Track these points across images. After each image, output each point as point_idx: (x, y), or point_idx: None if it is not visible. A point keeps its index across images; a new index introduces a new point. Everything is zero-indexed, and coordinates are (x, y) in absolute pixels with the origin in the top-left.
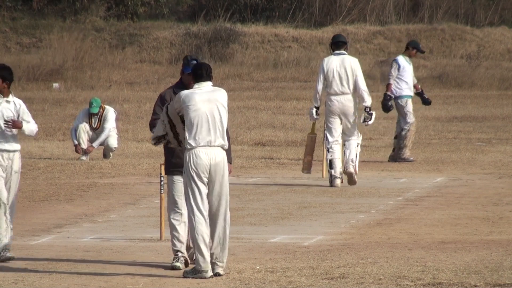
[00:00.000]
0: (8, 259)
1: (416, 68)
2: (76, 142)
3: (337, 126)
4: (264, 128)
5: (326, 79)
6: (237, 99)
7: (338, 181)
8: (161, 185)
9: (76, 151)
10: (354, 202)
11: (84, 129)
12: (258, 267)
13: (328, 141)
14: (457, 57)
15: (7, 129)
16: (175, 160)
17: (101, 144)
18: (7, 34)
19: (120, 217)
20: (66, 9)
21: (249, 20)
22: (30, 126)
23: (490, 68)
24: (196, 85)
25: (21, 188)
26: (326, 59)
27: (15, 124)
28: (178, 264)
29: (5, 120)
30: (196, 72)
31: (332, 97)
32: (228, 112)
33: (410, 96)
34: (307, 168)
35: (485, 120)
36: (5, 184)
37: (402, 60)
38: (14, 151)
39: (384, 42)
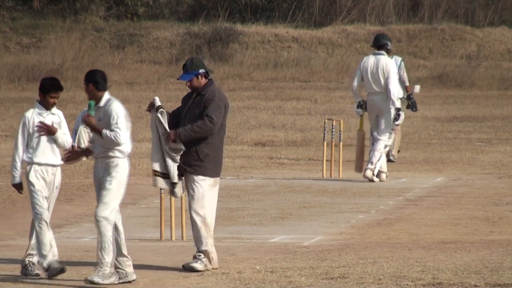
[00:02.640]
0: (62, 271)
1: (416, 68)
2: (74, 143)
3: (376, 122)
4: (264, 128)
5: (363, 78)
6: (237, 99)
7: (383, 176)
8: None
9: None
10: (354, 202)
11: (84, 129)
12: (258, 267)
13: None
14: (457, 57)
15: (40, 132)
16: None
17: None
18: (7, 34)
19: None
20: (66, 9)
21: (249, 20)
22: (65, 136)
23: (490, 68)
24: None
25: None
26: (365, 58)
27: (49, 128)
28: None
29: (38, 124)
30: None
31: (369, 96)
32: (229, 112)
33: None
34: (359, 167)
35: (485, 120)
36: (48, 201)
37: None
38: (58, 165)
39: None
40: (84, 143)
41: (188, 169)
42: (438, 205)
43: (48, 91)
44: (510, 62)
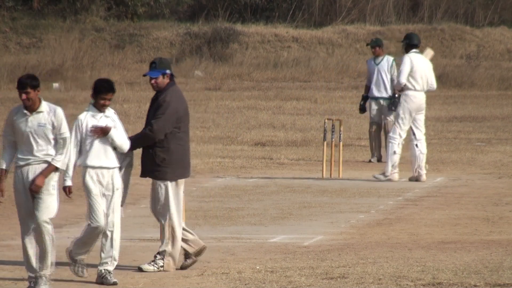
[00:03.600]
0: (108, 273)
1: None
2: None
3: (409, 123)
4: (264, 128)
5: (412, 75)
6: (237, 99)
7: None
8: None
9: None
10: (354, 202)
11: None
12: (258, 267)
13: (400, 137)
14: (456, 57)
15: (94, 135)
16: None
17: None
18: (7, 34)
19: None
20: (66, 9)
21: (249, 20)
22: (122, 138)
23: (489, 68)
24: None
25: None
26: (412, 55)
27: (102, 129)
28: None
29: (91, 128)
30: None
31: (416, 93)
32: (228, 112)
33: (372, 98)
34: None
35: (485, 120)
36: (109, 204)
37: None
38: (114, 167)
39: (384, 42)
40: None
41: (148, 174)
42: (438, 205)
43: (99, 93)
44: (510, 62)
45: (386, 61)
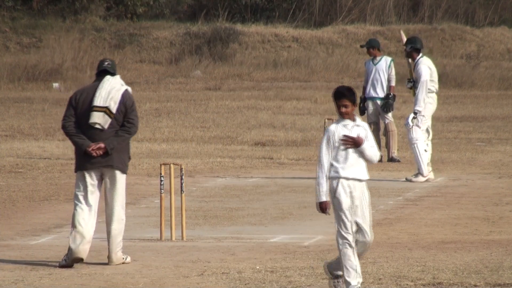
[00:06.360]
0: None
1: None
2: None
3: (427, 122)
4: (264, 128)
5: (432, 77)
6: (237, 99)
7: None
8: (161, 185)
9: None
10: None
11: None
12: (258, 267)
13: (425, 135)
14: (457, 57)
15: (346, 145)
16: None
17: None
18: (7, 34)
19: None
20: (66, 9)
21: (249, 20)
22: (373, 150)
23: (490, 68)
24: None
25: (21, 188)
26: (426, 58)
27: (354, 140)
28: None
29: (342, 138)
30: None
31: (435, 96)
32: (228, 112)
33: (369, 98)
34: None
35: (485, 120)
36: (361, 217)
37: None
38: (365, 180)
39: (384, 42)
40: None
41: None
42: (438, 205)
43: (337, 98)
44: (510, 62)
45: (385, 60)
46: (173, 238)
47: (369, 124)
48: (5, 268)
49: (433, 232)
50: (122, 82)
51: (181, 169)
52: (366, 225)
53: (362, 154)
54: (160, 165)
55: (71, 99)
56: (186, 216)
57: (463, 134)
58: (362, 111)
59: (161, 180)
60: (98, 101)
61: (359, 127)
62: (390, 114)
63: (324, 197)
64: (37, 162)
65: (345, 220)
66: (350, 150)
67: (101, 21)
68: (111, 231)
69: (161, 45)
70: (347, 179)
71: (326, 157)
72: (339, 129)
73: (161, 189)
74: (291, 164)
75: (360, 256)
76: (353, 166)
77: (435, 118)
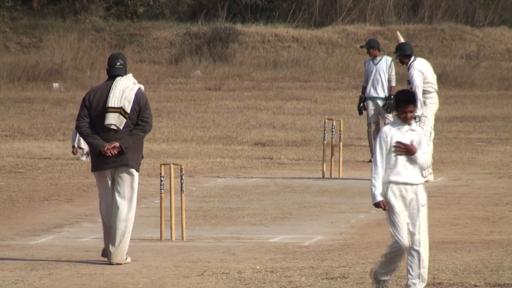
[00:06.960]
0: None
1: None
2: (73, 144)
3: (431, 122)
4: (264, 128)
5: (426, 81)
6: (237, 99)
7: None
8: (161, 185)
9: (73, 152)
10: (354, 202)
11: None
12: (258, 267)
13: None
14: (457, 57)
15: (397, 152)
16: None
17: None
18: (7, 34)
19: None
20: (66, 9)
21: (249, 20)
22: (425, 156)
23: (490, 68)
24: None
25: (21, 188)
26: (416, 65)
27: (407, 148)
28: None
29: (395, 144)
30: None
31: (435, 96)
32: (228, 112)
33: (369, 98)
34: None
35: (485, 120)
36: (414, 221)
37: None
38: (419, 183)
39: (384, 42)
40: (85, 144)
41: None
42: (438, 205)
43: (398, 105)
44: (510, 62)
45: (385, 60)
46: (173, 238)
47: (369, 124)
48: (5, 268)
49: (433, 232)
50: (135, 81)
51: (181, 169)
52: (417, 231)
53: (413, 161)
54: (160, 165)
55: (84, 99)
56: (186, 216)
57: (463, 134)
58: (361, 111)
59: (161, 180)
60: (113, 101)
61: (413, 132)
62: (391, 115)
63: (378, 198)
64: (37, 162)
65: (398, 223)
66: (402, 156)
67: (101, 21)
68: (121, 229)
69: (161, 45)
70: (397, 183)
71: (380, 159)
72: (393, 133)
73: (161, 189)
74: (291, 164)
75: (416, 263)
76: (404, 170)
77: (435, 118)
